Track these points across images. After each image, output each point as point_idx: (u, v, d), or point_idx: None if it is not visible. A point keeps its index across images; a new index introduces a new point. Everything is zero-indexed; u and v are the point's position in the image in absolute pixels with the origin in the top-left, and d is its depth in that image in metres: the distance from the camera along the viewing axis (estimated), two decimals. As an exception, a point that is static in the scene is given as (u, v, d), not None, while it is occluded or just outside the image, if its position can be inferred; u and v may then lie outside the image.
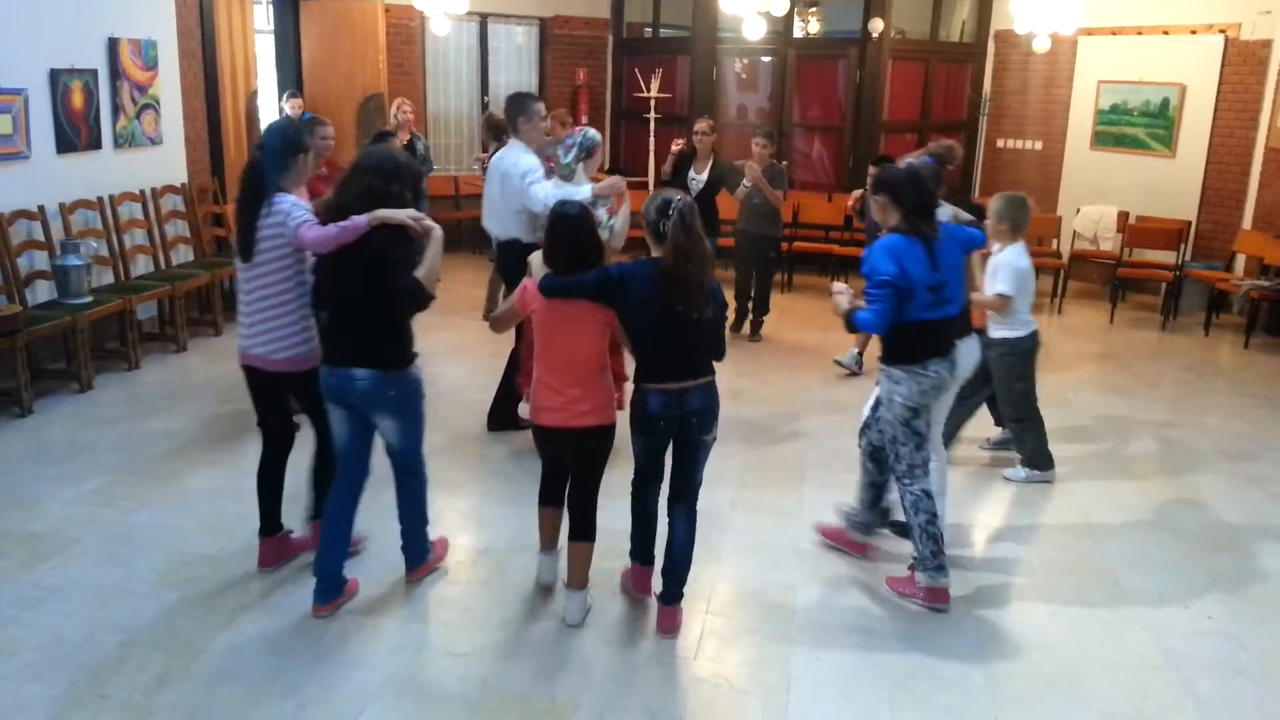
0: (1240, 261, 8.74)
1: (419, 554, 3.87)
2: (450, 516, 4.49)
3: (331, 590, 3.64)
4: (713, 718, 3.16)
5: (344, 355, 3.45)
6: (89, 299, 6.02)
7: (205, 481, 4.77)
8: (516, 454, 5.19)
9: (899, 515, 4.07)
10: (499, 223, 5.26)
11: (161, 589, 3.76)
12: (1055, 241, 9.70)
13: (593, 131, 5.15)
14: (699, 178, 7.27)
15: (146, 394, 6.00)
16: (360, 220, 3.32)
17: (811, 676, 3.37)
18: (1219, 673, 3.48)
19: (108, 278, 6.66)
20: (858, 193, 6.81)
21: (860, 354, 6.79)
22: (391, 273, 3.36)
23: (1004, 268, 4.66)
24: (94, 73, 6.49)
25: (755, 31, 9.19)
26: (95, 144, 6.55)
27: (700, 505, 3.63)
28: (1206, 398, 6.73)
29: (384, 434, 3.61)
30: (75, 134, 6.36)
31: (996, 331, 4.79)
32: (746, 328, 7.70)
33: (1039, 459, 5.07)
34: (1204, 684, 3.41)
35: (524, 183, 4.94)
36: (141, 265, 7.00)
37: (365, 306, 3.40)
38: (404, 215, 3.38)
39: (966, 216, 4.40)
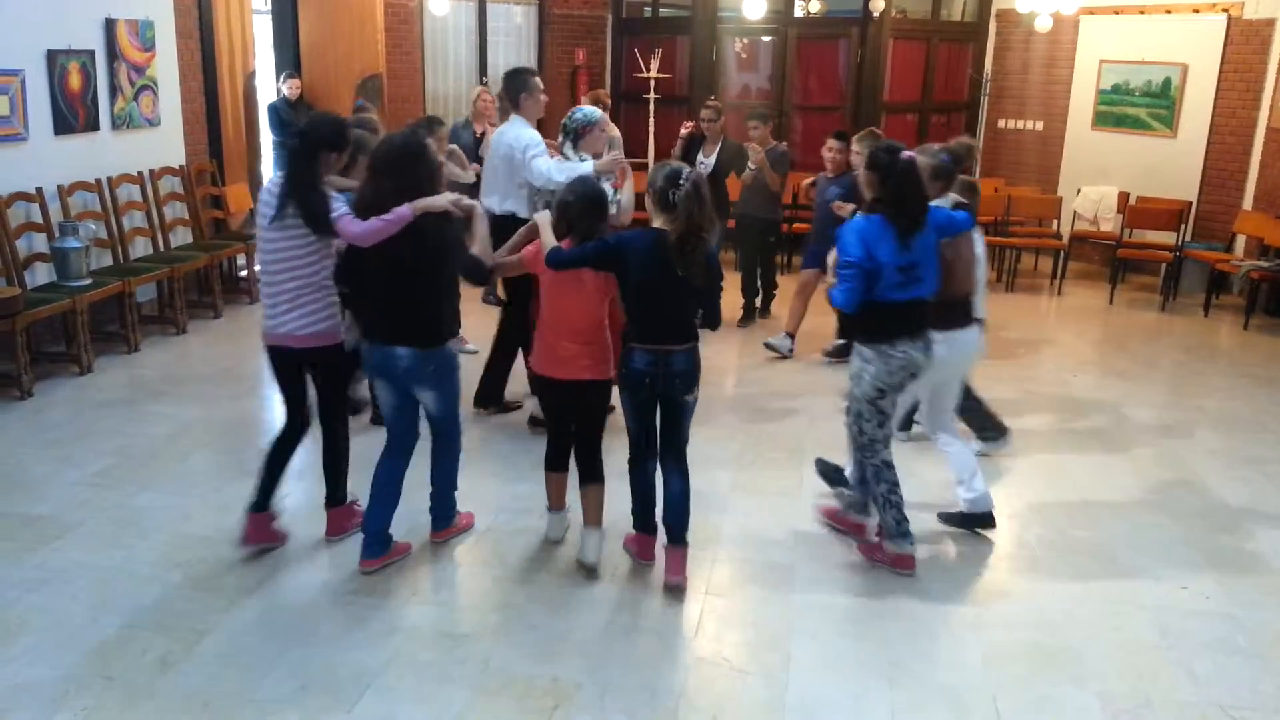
0: (1240, 242, 8.72)
1: (445, 516, 4.07)
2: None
3: (378, 545, 3.83)
4: (713, 697, 3.18)
5: (386, 334, 3.66)
6: (88, 281, 6.02)
7: (206, 464, 4.78)
8: (516, 436, 5.20)
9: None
10: (499, 197, 5.27)
11: (164, 571, 3.78)
12: (1055, 222, 9.68)
13: (582, 112, 5.09)
14: (707, 160, 7.26)
15: (146, 376, 6.01)
16: (404, 211, 3.47)
17: (811, 656, 3.39)
18: (1216, 652, 3.50)
19: (106, 260, 6.66)
20: (809, 180, 6.86)
21: (791, 335, 6.84)
22: (448, 253, 3.62)
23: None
24: (91, 54, 6.46)
25: (756, 10, 9.15)
26: (93, 125, 6.53)
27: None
28: (1206, 379, 6.73)
29: (424, 403, 3.83)
30: (73, 115, 6.33)
31: None
32: (755, 315, 7.70)
33: (989, 430, 5.13)
34: (1201, 663, 3.43)
35: (526, 156, 4.95)
36: (140, 247, 7.00)
37: (413, 290, 3.59)
38: (444, 202, 3.56)
39: (958, 199, 4.32)
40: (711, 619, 3.61)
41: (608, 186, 4.91)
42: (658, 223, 3.53)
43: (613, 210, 4.98)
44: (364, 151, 3.90)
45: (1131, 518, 4.54)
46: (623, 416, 3.80)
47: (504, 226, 5.18)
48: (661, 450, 3.79)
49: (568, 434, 3.92)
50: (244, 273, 7.99)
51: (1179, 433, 5.63)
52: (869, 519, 4.19)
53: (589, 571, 3.85)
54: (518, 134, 5.12)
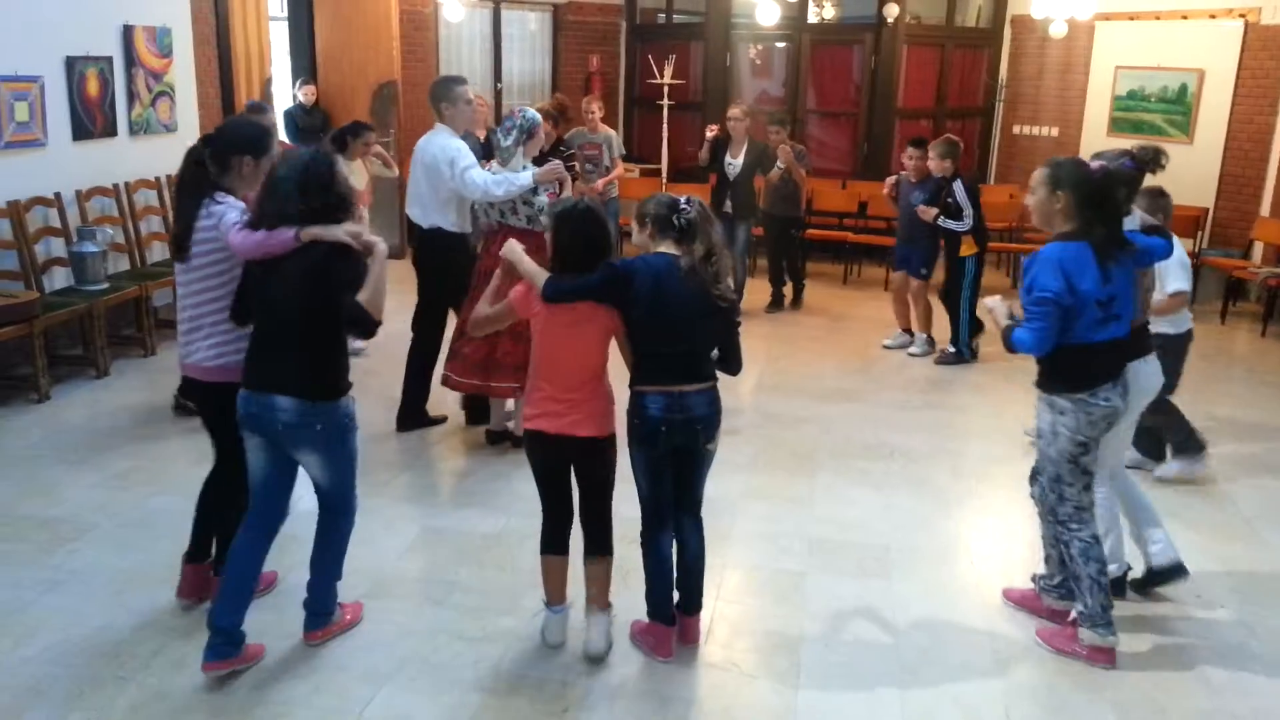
0: (1258, 249, 8.66)
1: (323, 611, 3.38)
2: (461, 501, 4.52)
3: (228, 647, 3.15)
4: (723, 703, 3.17)
5: (267, 380, 3.07)
6: (105, 286, 6.07)
7: (221, 467, 4.81)
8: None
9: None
10: (422, 210, 5.08)
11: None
12: (1071, 229, 9.62)
13: (532, 111, 4.97)
14: (735, 162, 7.52)
15: (163, 380, 6.03)
16: (286, 235, 2.98)
17: (821, 663, 3.39)
18: (1230, 660, 3.47)
19: (124, 264, 6.71)
20: (892, 179, 7.06)
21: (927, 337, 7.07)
22: (331, 294, 3.02)
23: (1173, 264, 4.21)
24: (109, 60, 6.53)
25: (769, 17, 9.16)
26: (111, 131, 6.60)
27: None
28: (1222, 385, 6.68)
29: (309, 470, 3.22)
30: (91, 121, 6.40)
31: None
32: (786, 305, 8.15)
33: (1189, 444, 4.90)
34: (1216, 672, 3.40)
35: (456, 169, 4.75)
36: (157, 252, 7.05)
37: (295, 327, 3.05)
38: (341, 233, 3.02)
39: (1151, 221, 3.82)
40: (722, 625, 3.60)
41: (544, 197, 4.73)
42: (660, 249, 3.20)
43: (547, 221, 4.86)
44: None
45: (1146, 525, 4.50)
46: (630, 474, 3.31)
47: (433, 241, 5.07)
48: (677, 503, 3.34)
49: (565, 506, 3.34)
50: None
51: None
52: (1073, 604, 3.53)
53: (595, 661, 3.35)
54: (443, 145, 4.87)
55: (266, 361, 3.08)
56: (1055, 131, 10.18)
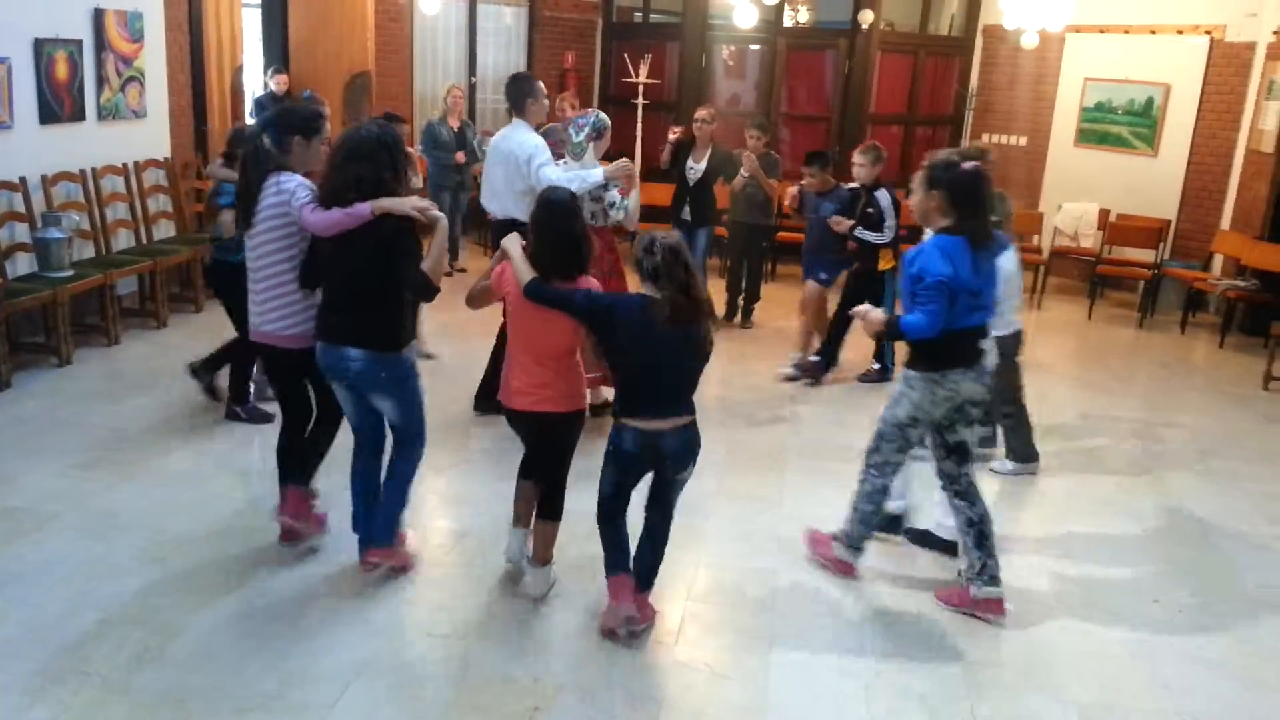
0: (1218, 262, 8.84)
1: (387, 533, 3.74)
2: (432, 499, 4.50)
3: (385, 535, 3.72)
4: (692, 702, 3.19)
5: (339, 334, 3.48)
6: (69, 273, 5.97)
7: (186, 459, 4.75)
8: (501, 437, 5.16)
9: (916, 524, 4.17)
10: (499, 203, 5.25)
11: (142, 566, 3.76)
12: (1036, 237, 9.78)
13: (603, 114, 5.21)
14: (697, 166, 7.26)
15: (126, 370, 5.96)
16: (364, 208, 3.33)
17: (790, 662, 3.41)
18: (1188, 664, 3.55)
19: (88, 252, 6.60)
20: (794, 189, 6.60)
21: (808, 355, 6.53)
22: (398, 262, 3.40)
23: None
24: (79, 43, 6.41)
25: (747, 19, 9.19)
26: (79, 115, 6.48)
27: (682, 492, 3.57)
28: (1181, 395, 6.82)
29: (383, 411, 3.66)
30: (59, 105, 6.29)
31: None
32: (738, 316, 7.73)
33: (1026, 452, 5.11)
34: (1173, 675, 3.48)
35: (532, 166, 4.93)
36: (123, 239, 6.95)
37: (366, 290, 3.44)
38: (408, 205, 3.39)
39: (993, 218, 4.09)
40: (692, 624, 3.62)
41: (615, 193, 4.98)
42: (645, 290, 3.28)
43: (620, 216, 5.03)
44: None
45: (1106, 530, 4.59)
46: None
47: (507, 232, 5.21)
48: (647, 502, 3.53)
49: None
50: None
51: (1154, 447, 5.70)
52: (974, 553, 3.78)
53: (535, 599, 3.67)
54: (521, 140, 5.08)
55: (339, 318, 3.49)
56: (1024, 141, 10.32)
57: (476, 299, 3.65)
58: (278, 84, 8.98)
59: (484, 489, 4.56)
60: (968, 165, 3.54)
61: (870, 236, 6.12)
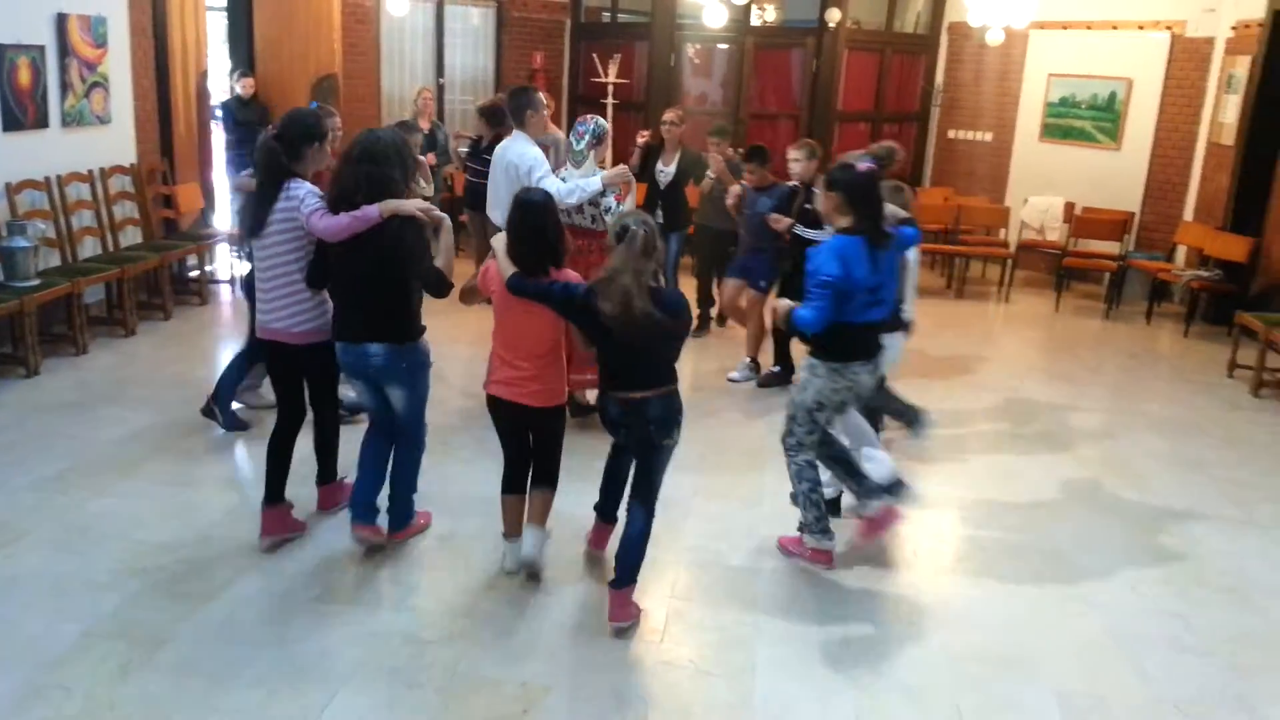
0: (1181, 252, 9.00)
1: (403, 516, 4.05)
2: (418, 502, 4.47)
3: (367, 514, 3.93)
4: (678, 700, 3.21)
5: (357, 332, 3.68)
6: (36, 282, 5.88)
7: (160, 468, 4.70)
8: (484, 442, 5.17)
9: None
10: (504, 213, 5.24)
11: (121, 578, 3.71)
12: (1003, 231, 9.90)
13: (603, 120, 5.27)
14: (666, 170, 7.17)
15: (95, 379, 5.88)
16: (371, 211, 3.49)
17: (775, 658, 3.44)
18: (1165, 651, 3.62)
19: (55, 260, 6.50)
20: (736, 188, 6.43)
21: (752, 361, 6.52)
22: (408, 261, 3.59)
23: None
24: (41, 49, 6.30)
25: (716, 19, 9.22)
26: (42, 123, 6.38)
27: (662, 491, 3.64)
28: (1148, 384, 6.94)
29: (394, 401, 3.83)
30: (22, 112, 6.18)
31: None
32: (711, 327, 7.53)
33: (913, 415, 5.08)
34: (1151, 662, 3.54)
35: (533, 178, 4.98)
36: (89, 247, 6.84)
37: (379, 288, 3.61)
38: (414, 206, 3.57)
39: (903, 214, 4.34)
40: (677, 622, 3.64)
41: (611, 199, 5.07)
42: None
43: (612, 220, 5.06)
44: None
45: (1081, 519, 4.67)
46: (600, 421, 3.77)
47: None
48: (631, 489, 3.69)
49: (521, 455, 3.82)
50: (194, 274, 7.86)
51: (1123, 436, 5.80)
52: (887, 504, 4.06)
53: (530, 573, 3.81)
54: (521, 151, 5.17)
55: (356, 318, 3.67)
56: (989, 136, 10.45)
57: (466, 295, 3.83)
58: (243, 87, 8.90)
59: (467, 494, 4.54)
60: (862, 166, 3.76)
61: (810, 234, 5.70)
